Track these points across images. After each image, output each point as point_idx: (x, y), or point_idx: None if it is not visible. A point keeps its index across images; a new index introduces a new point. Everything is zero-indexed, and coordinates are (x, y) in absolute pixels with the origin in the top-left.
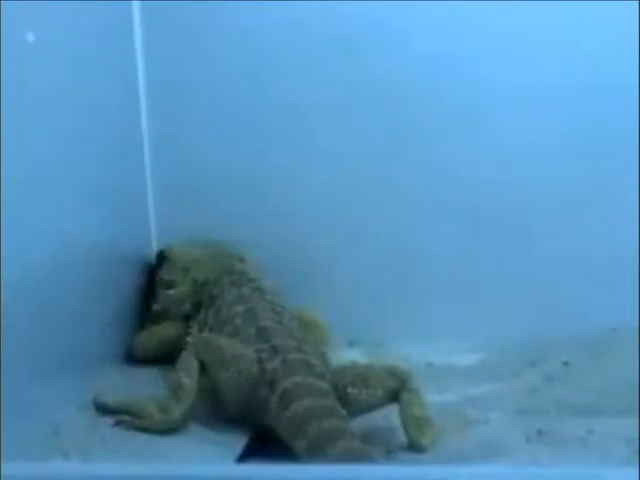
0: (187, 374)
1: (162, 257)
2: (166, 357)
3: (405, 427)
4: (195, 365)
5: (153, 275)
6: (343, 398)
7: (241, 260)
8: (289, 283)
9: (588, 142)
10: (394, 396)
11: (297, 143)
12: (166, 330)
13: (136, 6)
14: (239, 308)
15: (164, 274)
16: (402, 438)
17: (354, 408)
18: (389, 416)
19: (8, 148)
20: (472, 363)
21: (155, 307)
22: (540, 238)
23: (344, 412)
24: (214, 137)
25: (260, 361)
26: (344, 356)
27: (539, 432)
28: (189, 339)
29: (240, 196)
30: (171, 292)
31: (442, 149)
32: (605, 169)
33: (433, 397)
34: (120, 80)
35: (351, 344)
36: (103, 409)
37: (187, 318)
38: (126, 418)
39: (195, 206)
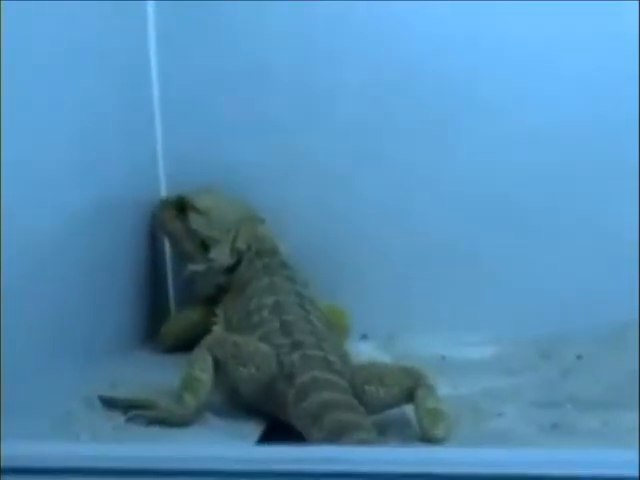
0: (201, 368)
1: (183, 205)
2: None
3: (419, 420)
4: (209, 361)
5: (164, 227)
6: (360, 396)
7: (262, 222)
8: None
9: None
10: (410, 395)
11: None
12: (192, 317)
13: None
14: (268, 300)
15: (199, 227)
16: (417, 431)
17: (371, 406)
18: (404, 410)
19: (9, 145)
20: (486, 356)
21: (192, 268)
22: (553, 230)
23: (361, 408)
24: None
25: (278, 355)
26: (357, 349)
27: (554, 425)
28: (215, 327)
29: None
30: (214, 254)
31: (449, 142)
32: (614, 162)
33: (447, 390)
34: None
35: (364, 337)
36: (111, 405)
37: (213, 300)
38: (138, 412)
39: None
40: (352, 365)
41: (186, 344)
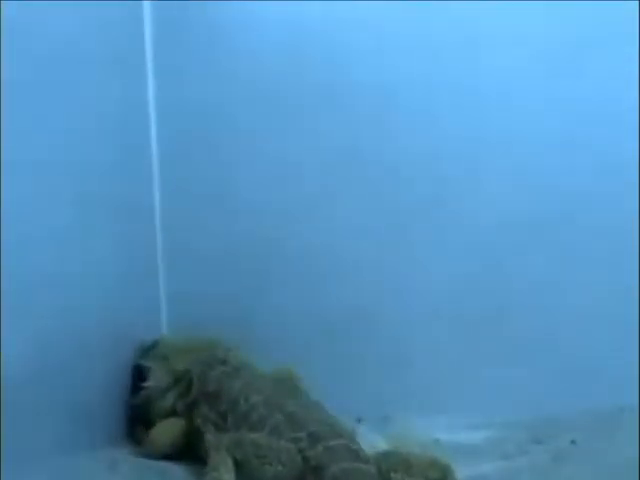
0: (226, 470)
1: (146, 348)
2: (177, 453)
3: None
4: (230, 463)
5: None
6: None
7: (228, 350)
8: (292, 361)
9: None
10: None
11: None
12: (174, 426)
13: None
14: (257, 398)
15: (141, 361)
16: None
17: None
18: None
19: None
20: (479, 440)
21: (132, 401)
22: (546, 316)
23: None
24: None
25: (301, 450)
26: None
27: None
28: (208, 437)
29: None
30: (148, 383)
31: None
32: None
33: None
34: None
35: (359, 420)
36: None
37: (174, 412)
38: None
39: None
40: (376, 452)
41: (173, 449)
